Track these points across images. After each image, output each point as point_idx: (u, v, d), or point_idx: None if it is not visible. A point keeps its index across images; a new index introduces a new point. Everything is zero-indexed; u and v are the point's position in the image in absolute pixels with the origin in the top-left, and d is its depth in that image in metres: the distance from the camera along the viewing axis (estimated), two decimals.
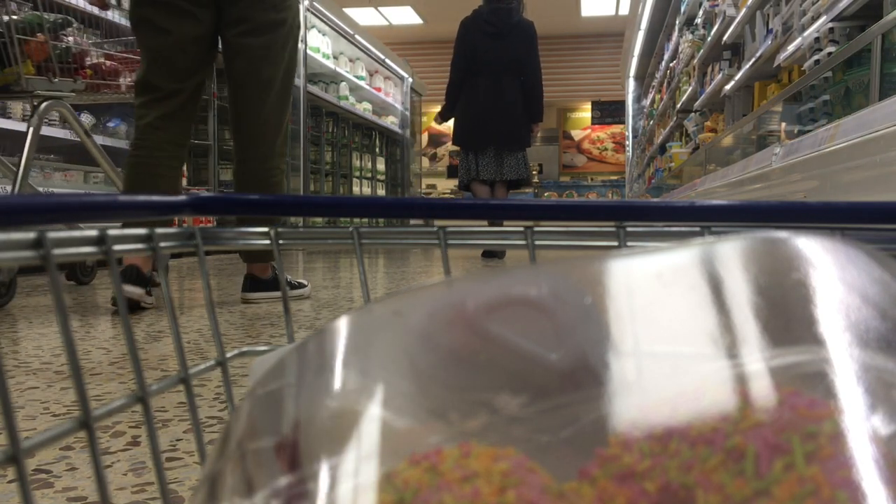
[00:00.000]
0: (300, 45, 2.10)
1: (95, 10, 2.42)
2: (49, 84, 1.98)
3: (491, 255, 4.24)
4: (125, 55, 2.22)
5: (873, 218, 0.33)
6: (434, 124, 4.80)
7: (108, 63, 2.11)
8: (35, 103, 1.99)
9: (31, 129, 1.98)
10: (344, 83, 6.69)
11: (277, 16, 2.03)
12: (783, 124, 3.13)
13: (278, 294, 2.20)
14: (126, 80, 2.21)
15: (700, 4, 5.92)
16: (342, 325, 0.19)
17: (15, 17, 1.90)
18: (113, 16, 2.56)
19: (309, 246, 0.41)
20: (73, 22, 2.10)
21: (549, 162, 13.05)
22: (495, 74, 4.29)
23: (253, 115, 2.05)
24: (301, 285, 2.31)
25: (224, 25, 2.00)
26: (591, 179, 12.99)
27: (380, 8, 10.68)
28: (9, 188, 2.70)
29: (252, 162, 2.07)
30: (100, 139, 3.82)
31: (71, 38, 2.06)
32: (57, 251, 0.27)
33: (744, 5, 4.10)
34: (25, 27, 1.94)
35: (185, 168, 4.47)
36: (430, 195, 9.46)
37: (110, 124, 3.97)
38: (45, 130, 3.50)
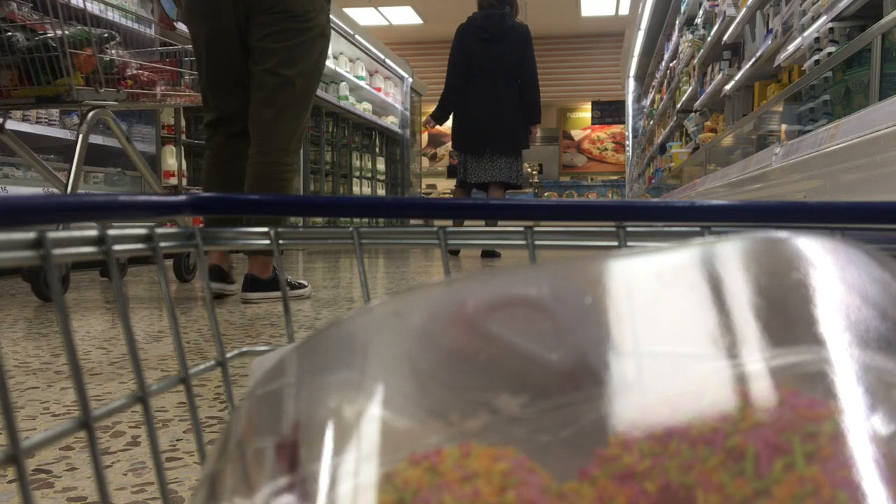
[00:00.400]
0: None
1: (133, 25, 2.49)
2: (96, 94, 2.14)
3: (490, 254, 4.29)
4: (158, 66, 2.42)
5: (873, 218, 0.33)
6: (425, 126, 4.86)
7: (145, 74, 2.30)
8: (82, 112, 2.15)
9: (80, 137, 2.11)
10: (344, 83, 6.70)
11: (301, 25, 2.10)
12: (783, 124, 3.13)
13: (278, 294, 2.22)
14: (161, 90, 2.39)
15: (700, 4, 5.92)
16: (342, 325, 0.19)
17: (66, 32, 2.07)
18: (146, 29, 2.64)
19: (309, 246, 0.41)
20: (116, 36, 2.28)
21: (549, 162, 13.06)
22: (491, 79, 4.34)
23: (265, 110, 2.09)
24: (301, 285, 2.32)
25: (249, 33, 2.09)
26: (591, 179, 12.99)
27: (380, 8, 10.68)
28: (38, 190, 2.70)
29: (257, 156, 2.11)
30: (99, 139, 3.82)
31: (113, 52, 2.23)
32: (57, 251, 0.27)
33: (744, 5, 4.10)
34: (75, 42, 2.11)
35: (184, 168, 4.49)
36: (430, 195, 9.47)
37: None
38: (46, 130, 3.50)
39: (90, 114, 2.12)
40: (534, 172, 12.36)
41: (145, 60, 2.43)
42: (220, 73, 2.13)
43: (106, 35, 2.20)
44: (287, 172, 2.14)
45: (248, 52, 2.12)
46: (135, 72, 2.28)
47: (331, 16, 2.32)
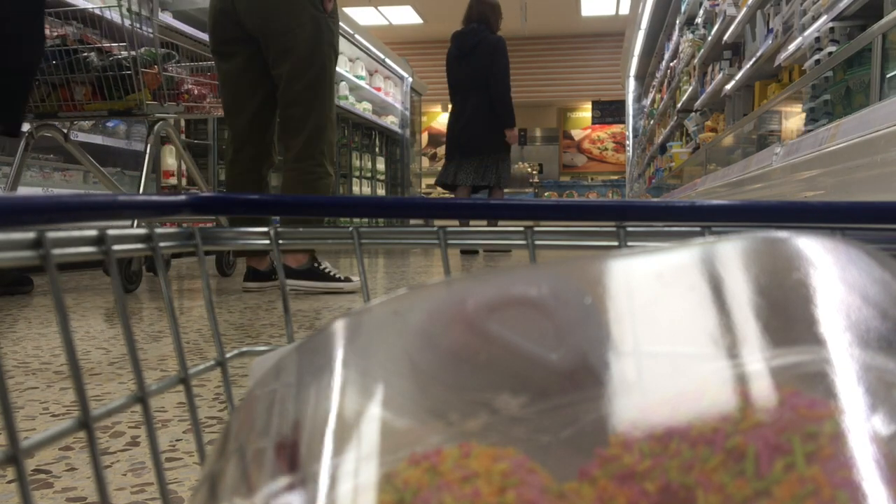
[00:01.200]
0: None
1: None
2: (161, 108, 2.43)
3: (469, 252, 4.51)
4: (205, 80, 2.74)
5: (873, 218, 0.33)
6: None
7: (197, 89, 2.63)
8: (150, 123, 2.47)
9: (148, 147, 2.42)
10: (344, 83, 6.69)
11: (287, 39, 2.23)
12: (783, 124, 3.13)
13: (313, 284, 2.37)
14: (208, 102, 2.70)
15: (700, 4, 5.92)
16: (342, 325, 0.19)
17: (138, 52, 2.38)
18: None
19: (309, 246, 0.41)
20: (175, 55, 2.55)
21: (550, 162, 13.06)
22: (464, 92, 4.83)
23: (286, 123, 2.29)
24: (348, 279, 2.42)
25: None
26: (592, 179, 12.99)
27: (380, 8, 10.68)
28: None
29: (288, 163, 2.31)
30: (99, 138, 3.82)
31: (172, 69, 2.53)
32: (56, 251, 0.27)
33: (744, 5, 4.10)
34: (144, 61, 2.39)
35: (183, 168, 4.50)
36: (430, 195, 9.47)
37: (109, 124, 3.97)
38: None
39: (156, 125, 2.46)
40: (534, 172, 12.36)
41: (193, 75, 2.73)
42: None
43: (166, 54, 2.49)
44: (315, 176, 2.29)
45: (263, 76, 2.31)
46: (189, 86, 2.58)
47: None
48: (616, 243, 0.37)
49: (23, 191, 3.27)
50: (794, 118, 3.08)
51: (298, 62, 2.25)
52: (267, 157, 2.39)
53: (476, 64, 4.73)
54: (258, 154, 2.37)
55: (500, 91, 4.75)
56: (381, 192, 7.92)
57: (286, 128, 2.30)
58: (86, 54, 2.44)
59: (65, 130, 2.60)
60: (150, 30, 2.33)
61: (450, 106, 5.06)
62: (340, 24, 2.54)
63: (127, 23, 2.38)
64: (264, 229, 0.40)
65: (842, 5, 2.55)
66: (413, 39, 12.10)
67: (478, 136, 4.76)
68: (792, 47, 3.16)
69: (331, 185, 2.37)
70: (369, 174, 7.62)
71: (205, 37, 4.70)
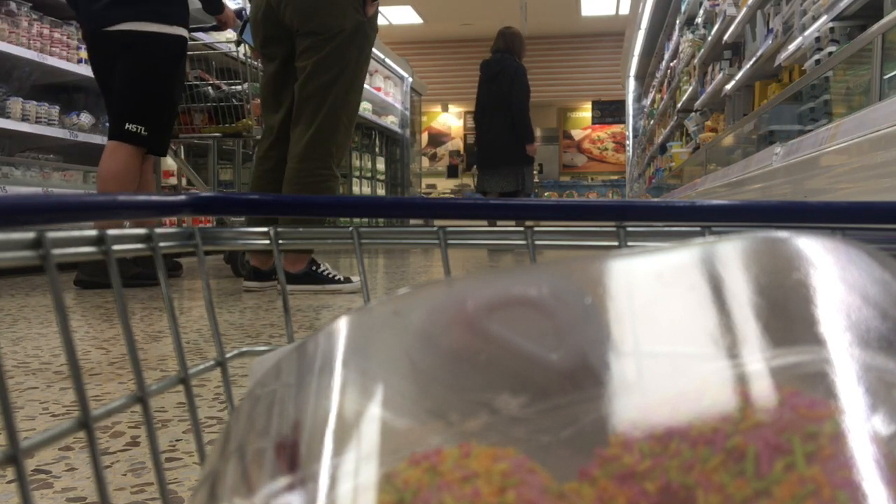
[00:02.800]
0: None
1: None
2: (260, 131, 2.86)
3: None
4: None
5: (873, 218, 0.33)
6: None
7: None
8: (253, 143, 3.27)
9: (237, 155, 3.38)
10: None
11: (323, 37, 2.28)
12: (783, 124, 3.13)
13: (310, 287, 2.43)
14: None
15: (700, 4, 5.92)
16: (342, 325, 0.19)
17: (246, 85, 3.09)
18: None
19: (309, 246, 0.41)
20: None
21: (550, 162, 13.06)
22: (489, 113, 5.51)
23: (298, 117, 2.33)
24: (347, 280, 2.47)
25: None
26: (591, 179, 12.99)
27: (380, 7, 10.67)
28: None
29: (290, 161, 2.33)
30: (99, 138, 3.82)
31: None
32: (56, 251, 0.27)
33: (744, 5, 4.10)
34: (252, 94, 3.07)
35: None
36: (430, 195, 9.47)
37: (109, 124, 3.97)
38: (45, 130, 3.50)
39: (256, 146, 3.02)
40: (534, 172, 12.37)
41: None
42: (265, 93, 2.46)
43: None
44: (316, 178, 2.30)
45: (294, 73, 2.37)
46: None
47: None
48: (616, 243, 0.37)
49: (23, 191, 3.27)
50: (794, 118, 3.08)
51: (324, 58, 2.27)
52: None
53: (499, 88, 5.43)
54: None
55: (519, 112, 5.44)
56: (381, 192, 7.91)
57: (297, 121, 2.31)
58: (203, 88, 3.19)
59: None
60: (259, 67, 2.72)
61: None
62: None
63: (242, 60, 3.06)
64: (264, 229, 0.40)
65: (842, 5, 2.55)
66: (413, 39, 12.10)
67: (501, 150, 5.47)
68: (792, 47, 3.16)
69: (335, 188, 2.37)
70: (369, 174, 7.62)
71: (205, 36, 4.74)
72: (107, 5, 2.47)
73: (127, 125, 2.47)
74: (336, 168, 2.35)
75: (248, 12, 2.67)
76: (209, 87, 3.17)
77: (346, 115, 2.35)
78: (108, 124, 3.97)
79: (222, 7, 2.79)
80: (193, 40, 3.04)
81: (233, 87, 3.13)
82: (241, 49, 2.98)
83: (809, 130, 2.67)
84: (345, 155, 2.47)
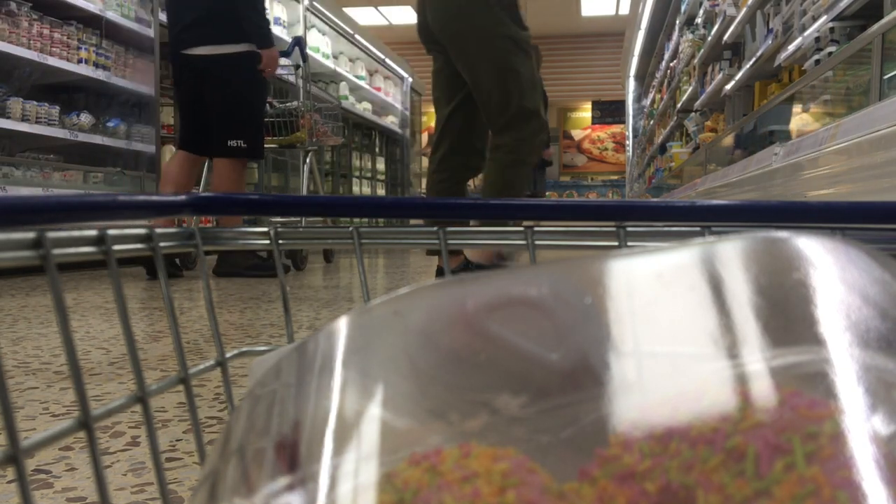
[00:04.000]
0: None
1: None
2: (311, 143, 3.63)
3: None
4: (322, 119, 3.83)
5: (873, 218, 0.33)
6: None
7: (322, 128, 3.73)
8: (304, 153, 3.67)
9: (306, 170, 3.66)
10: (344, 83, 6.69)
11: (465, 42, 2.33)
12: (783, 124, 3.13)
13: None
14: (327, 135, 3.84)
15: (700, 4, 5.92)
16: (342, 325, 0.19)
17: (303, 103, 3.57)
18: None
19: (309, 246, 0.41)
20: (316, 105, 3.75)
21: (552, 160, 13.04)
22: None
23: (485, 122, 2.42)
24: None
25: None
26: (591, 179, 12.99)
27: (380, 8, 10.67)
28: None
29: (490, 151, 2.41)
30: (99, 138, 3.82)
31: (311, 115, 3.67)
32: (56, 251, 0.27)
33: (744, 5, 4.10)
34: (303, 111, 3.55)
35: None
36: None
37: (110, 124, 3.97)
38: (45, 130, 3.50)
39: (308, 155, 3.64)
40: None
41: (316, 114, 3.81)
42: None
43: (313, 104, 3.63)
44: (493, 164, 2.35)
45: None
46: (320, 127, 3.71)
47: (331, 15, 2.55)
48: (616, 243, 0.37)
49: (23, 191, 3.27)
50: (794, 118, 3.08)
51: (475, 64, 2.31)
52: (472, 159, 2.46)
53: None
54: (464, 160, 2.46)
55: None
56: (381, 192, 7.91)
57: (486, 124, 2.37)
58: None
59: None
60: (310, 84, 3.41)
61: None
62: (340, 23, 2.71)
63: (300, 82, 3.55)
64: (264, 229, 0.40)
65: (842, 5, 2.55)
66: (413, 39, 12.03)
67: None
68: (792, 47, 3.16)
69: (526, 174, 2.41)
70: (369, 174, 7.62)
71: None
72: (184, 29, 2.82)
73: (229, 142, 2.86)
74: (529, 156, 2.38)
75: (302, 39, 3.26)
76: (267, 105, 3.59)
77: (525, 101, 2.35)
78: (108, 124, 3.99)
79: (270, 42, 2.93)
80: None
81: (285, 104, 3.61)
82: (299, 72, 3.44)
83: (809, 130, 2.67)
84: (537, 141, 2.46)
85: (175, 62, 2.92)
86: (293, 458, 0.17)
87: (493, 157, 2.37)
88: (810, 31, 2.88)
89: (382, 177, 8.01)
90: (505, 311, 0.19)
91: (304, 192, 3.55)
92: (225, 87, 2.84)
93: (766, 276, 0.18)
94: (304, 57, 3.38)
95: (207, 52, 2.81)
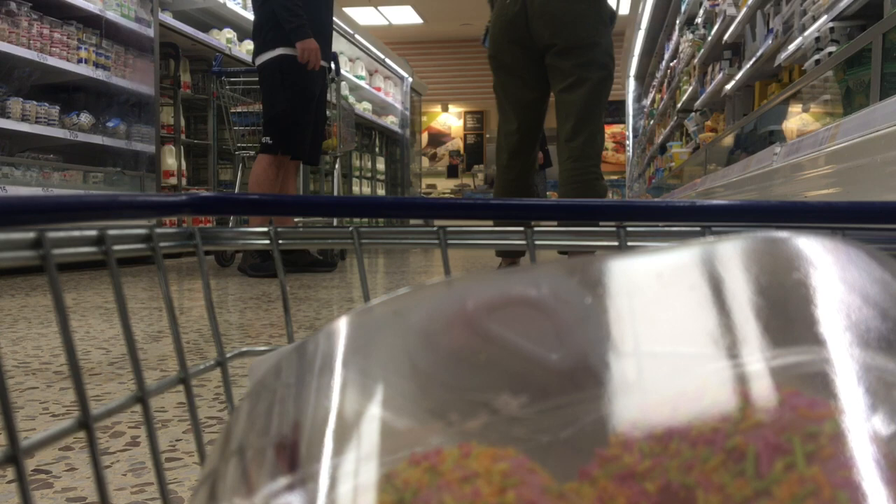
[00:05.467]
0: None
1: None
2: (340, 148, 3.94)
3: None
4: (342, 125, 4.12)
5: (873, 218, 0.33)
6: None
7: (344, 134, 4.01)
8: (333, 158, 4.05)
9: (336, 174, 4.09)
10: (344, 83, 6.69)
11: (585, 50, 2.54)
12: (783, 124, 3.13)
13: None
14: (347, 141, 4.16)
15: (700, 4, 5.92)
16: (342, 325, 0.19)
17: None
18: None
19: (309, 246, 0.41)
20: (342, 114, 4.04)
21: (551, 161, 13.04)
22: None
23: (568, 126, 2.59)
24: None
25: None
26: None
27: (380, 8, 10.67)
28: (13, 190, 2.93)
29: (564, 163, 2.57)
30: (99, 138, 3.82)
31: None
32: (56, 251, 0.27)
33: (744, 5, 4.10)
34: (333, 120, 3.82)
35: (184, 167, 4.59)
36: (430, 195, 9.48)
37: (110, 124, 3.97)
38: (45, 130, 3.50)
39: (337, 159, 4.04)
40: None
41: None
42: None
43: (337, 113, 3.89)
44: (587, 174, 2.50)
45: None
46: (343, 133, 4.00)
47: (333, 16, 2.66)
48: (616, 243, 0.37)
49: (23, 191, 3.26)
50: (794, 118, 3.08)
51: (588, 71, 2.46)
52: (534, 165, 2.72)
53: None
54: (529, 163, 2.65)
55: None
56: (381, 192, 7.91)
57: (567, 130, 2.49)
58: None
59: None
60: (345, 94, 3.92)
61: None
62: (340, 23, 2.83)
63: (334, 94, 3.76)
64: (264, 229, 0.40)
65: (842, 5, 2.56)
66: (413, 39, 12.10)
67: None
68: (792, 47, 3.16)
69: (604, 189, 2.57)
70: (369, 174, 7.61)
71: (204, 36, 4.75)
72: (253, 40, 3.19)
73: (263, 139, 3.14)
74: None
75: (336, 54, 3.42)
76: None
77: (602, 123, 2.56)
78: (108, 124, 3.99)
79: (301, 35, 3.04)
80: None
81: (333, 112, 3.85)
82: (333, 85, 3.61)
83: (809, 130, 2.67)
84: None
85: None
86: (293, 458, 0.17)
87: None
88: (810, 31, 2.88)
89: (382, 177, 8.01)
90: (505, 311, 0.19)
91: (338, 193, 3.88)
92: (264, 90, 3.16)
93: (766, 276, 0.18)
94: (338, 70, 3.52)
95: (259, 61, 3.12)
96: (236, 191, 3.75)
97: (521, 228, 0.38)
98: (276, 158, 3.12)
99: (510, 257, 2.78)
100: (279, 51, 3.05)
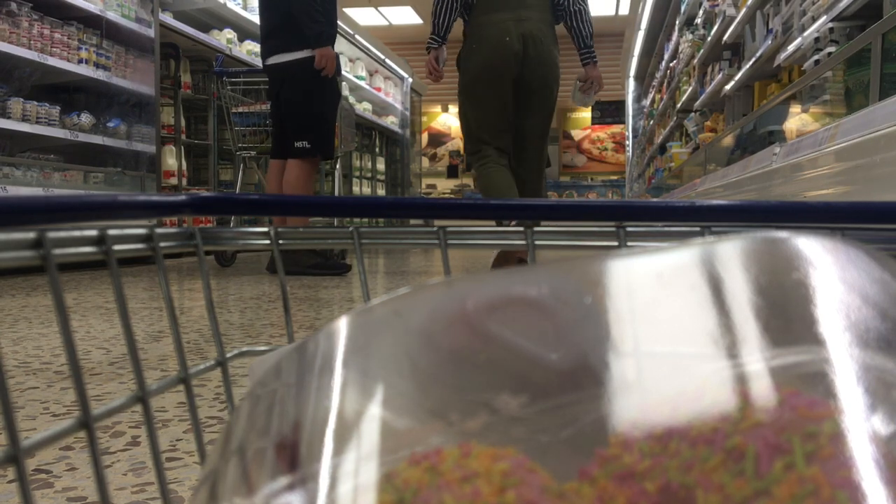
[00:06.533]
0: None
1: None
2: (340, 149, 3.73)
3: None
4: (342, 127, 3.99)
5: (873, 218, 0.33)
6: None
7: (344, 134, 3.86)
8: (337, 157, 3.68)
9: (337, 173, 3.90)
10: (344, 83, 6.70)
11: (553, 92, 3.33)
12: (783, 124, 3.13)
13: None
14: (347, 141, 4.01)
15: (700, 4, 5.92)
16: (342, 325, 0.19)
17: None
18: None
19: (309, 246, 0.41)
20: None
21: (550, 162, 13.04)
22: None
23: (534, 153, 3.26)
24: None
25: None
26: (591, 179, 12.98)
27: (380, 8, 10.67)
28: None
29: (530, 182, 3.20)
30: (99, 139, 3.82)
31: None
32: (57, 251, 0.27)
33: (744, 5, 4.10)
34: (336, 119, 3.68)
35: (184, 167, 4.58)
36: (430, 195, 9.48)
37: (110, 124, 3.97)
38: (45, 130, 3.50)
39: (338, 159, 3.74)
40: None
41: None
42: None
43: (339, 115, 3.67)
44: (543, 182, 3.20)
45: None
46: (344, 135, 3.83)
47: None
48: (616, 243, 0.37)
49: (23, 191, 3.26)
50: (793, 118, 3.08)
51: (551, 109, 3.16)
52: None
53: None
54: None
55: None
56: (381, 192, 7.91)
57: (532, 156, 3.11)
58: None
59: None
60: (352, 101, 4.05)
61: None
62: (340, 23, 2.87)
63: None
64: (264, 229, 0.40)
65: (841, 5, 2.56)
66: (413, 39, 12.08)
67: None
68: (791, 47, 3.16)
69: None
70: (369, 174, 7.62)
71: (205, 37, 4.76)
72: (263, 41, 3.09)
73: (296, 143, 3.04)
74: None
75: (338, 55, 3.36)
76: None
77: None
78: (108, 124, 3.99)
79: (321, 42, 3.05)
80: None
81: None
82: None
83: (809, 130, 2.67)
84: None
85: (265, 72, 3.15)
86: (293, 457, 0.17)
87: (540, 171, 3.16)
88: (810, 31, 2.88)
89: (382, 177, 8.01)
90: (505, 311, 0.19)
91: (339, 193, 3.81)
92: (293, 91, 3.04)
93: (766, 276, 0.18)
94: (339, 70, 3.55)
95: (279, 60, 3.02)
96: (237, 191, 3.74)
97: (521, 228, 0.38)
98: (314, 162, 3.10)
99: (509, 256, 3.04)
100: (307, 52, 3.01)
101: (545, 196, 3.21)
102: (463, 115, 3.13)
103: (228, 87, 3.62)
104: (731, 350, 0.16)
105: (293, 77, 3.03)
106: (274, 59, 3.03)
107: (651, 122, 9.90)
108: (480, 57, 3.02)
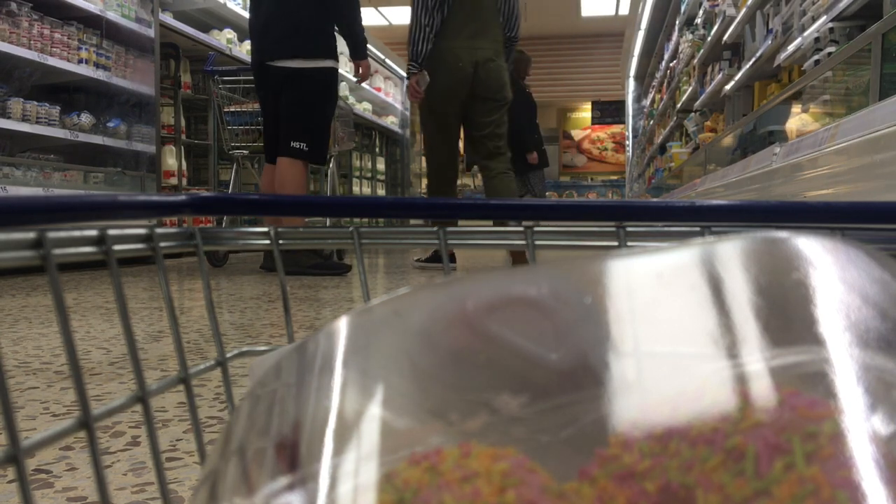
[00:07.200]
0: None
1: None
2: (336, 148, 3.82)
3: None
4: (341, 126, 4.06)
5: (873, 218, 0.33)
6: None
7: (340, 133, 3.97)
8: (330, 157, 3.85)
9: (329, 173, 4.07)
10: (343, 83, 6.69)
11: (505, 103, 3.68)
12: (783, 124, 3.13)
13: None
14: (344, 141, 4.07)
15: (700, 4, 5.92)
16: (342, 325, 0.19)
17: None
18: None
19: (309, 246, 0.41)
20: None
21: (549, 162, 13.04)
22: None
23: (495, 151, 3.65)
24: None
25: None
26: (591, 179, 12.99)
27: (380, 8, 10.67)
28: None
29: (500, 174, 3.56)
30: (99, 139, 3.82)
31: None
32: (57, 251, 0.27)
33: (744, 5, 4.10)
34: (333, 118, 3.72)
35: (184, 167, 4.57)
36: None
37: (110, 124, 3.97)
38: (45, 130, 3.50)
39: (331, 159, 3.89)
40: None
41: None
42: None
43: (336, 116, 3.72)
44: (509, 177, 3.54)
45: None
46: (340, 134, 3.94)
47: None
48: (616, 243, 0.37)
49: (23, 191, 3.26)
50: (793, 118, 3.08)
51: (502, 110, 3.53)
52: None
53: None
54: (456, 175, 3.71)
55: (516, 128, 5.95)
56: (381, 192, 7.91)
57: (493, 153, 3.52)
58: None
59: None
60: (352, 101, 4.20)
61: None
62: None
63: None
64: (264, 229, 0.40)
65: (841, 5, 2.56)
66: None
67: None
68: (791, 48, 3.16)
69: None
70: (369, 174, 7.62)
71: (205, 37, 4.76)
72: (274, 41, 3.00)
73: (292, 143, 3.03)
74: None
75: None
76: None
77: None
78: (108, 124, 3.99)
79: (366, 54, 3.21)
80: None
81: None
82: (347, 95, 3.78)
83: (809, 130, 2.67)
84: None
85: (259, 73, 3.07)
86: (293, 458, 0.17)
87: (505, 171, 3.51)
88: (810, 31, 2.88)
89: (382, 177, 8.01)
90: (505, 311, 0.19)
91: (330, 193, 3.88)
92: (302, 95, 3.03)
93: (766, 276, 0.18)
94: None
95: (296, 65, 2.99)
96: (230, 191, 3.72)
97: (521, 228, 0.38)
98: (307, 163, 3.11)
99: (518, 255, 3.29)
100: (330, 62, 3.06)
101: (514, 182, 3.54)
102: (423, 125, 3.69)
103: (221, 86, 3.59)
104: (731, 350, 0.16)
105: (309, 82, 3.01)
106: (287, 63, 2.98)
107: (651, 122, 9.90)
108: (438, 77, 3.55)
